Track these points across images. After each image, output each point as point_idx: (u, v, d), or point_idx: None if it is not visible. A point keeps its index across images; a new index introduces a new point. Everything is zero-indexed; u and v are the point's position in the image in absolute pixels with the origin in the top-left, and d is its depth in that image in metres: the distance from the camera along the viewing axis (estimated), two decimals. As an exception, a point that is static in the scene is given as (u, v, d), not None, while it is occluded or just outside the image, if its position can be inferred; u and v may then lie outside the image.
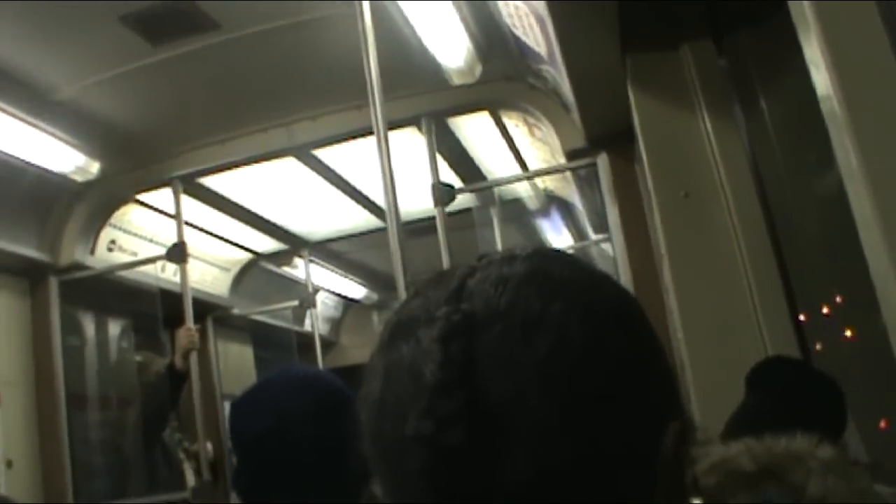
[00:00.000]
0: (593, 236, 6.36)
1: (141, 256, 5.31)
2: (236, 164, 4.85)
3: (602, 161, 4.25)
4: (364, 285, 8.49)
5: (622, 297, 0.82)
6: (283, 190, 5.47)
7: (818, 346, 2.91)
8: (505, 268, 0.78)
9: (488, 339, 0.72)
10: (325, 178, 5.30)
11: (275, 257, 6.89)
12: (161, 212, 5.31)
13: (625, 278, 4.11)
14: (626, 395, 0.74)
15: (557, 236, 6.96)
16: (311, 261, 6.95)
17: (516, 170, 5.45)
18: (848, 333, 2.72)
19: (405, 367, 0.75)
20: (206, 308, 6.10)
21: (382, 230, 3.17)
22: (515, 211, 6.20)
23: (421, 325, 0.75)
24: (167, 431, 5.17)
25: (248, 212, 5.80)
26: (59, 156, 4.45)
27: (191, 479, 4.95)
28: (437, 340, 0.72)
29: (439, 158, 4.64)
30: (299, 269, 7.06)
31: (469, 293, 0.76)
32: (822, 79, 1.42)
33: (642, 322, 0.81)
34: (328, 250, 7.17)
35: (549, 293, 0.75)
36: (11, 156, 4.21)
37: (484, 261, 0.80)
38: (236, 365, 6.74)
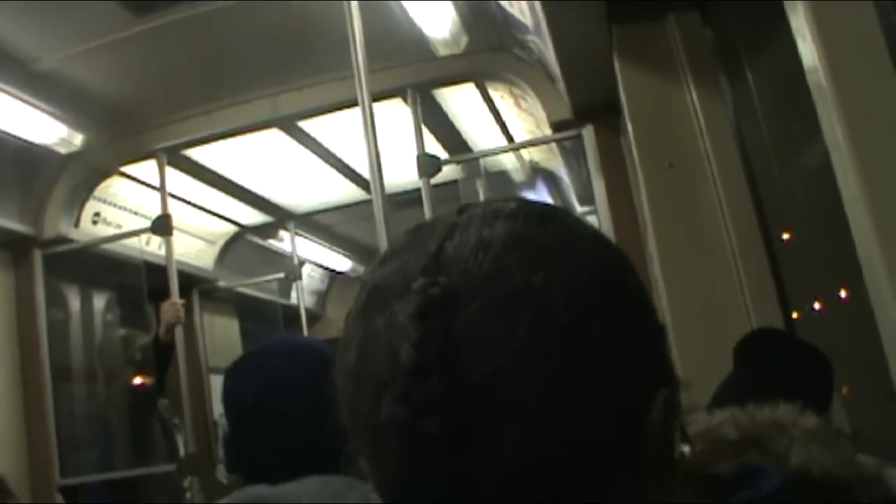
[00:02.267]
0: (579, 208, 6.35)
1: (125, 229, 5.30)
2: (221, 136, 4.83)
3: (588, 133, 4.25)
4: (350, 258, 8.48)
5: (612, 260, 0.79)
6: (269, 162, 5.46)
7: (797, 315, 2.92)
8: (486, 230, 0.73)
9: (467, 316, 0.68)
10: (311, 149, 5.29)
11: (260, 230, 6.88)
12: (145, 184, 5.29)
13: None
14: (615, 372, 0.70)
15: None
16: (297, 233, 6.95)
17: (502, 141, 5.44)
18: (834, 300, 2.73)
19: (381, 342, 0.71)
20: (191, 281, 6.10)
21: (368, 202, 3.17)
22: (501, 183, 6.18)
23: (396, 296, 0.71)
24: (163, 403, 5.17)
25: (233, 184, 5.78)
26: (43, 127, 4.41)
27: (182, 450, 4.97)
28: (413, 317, 0.68)
29: (425, 130, 4.63)
30: (285, 241, 7.06)
31: (447, 261, 0.72)
32: (808, 50, 1.42)
33: (633, 287, 0.78)
34: (314, 223, 7.16)
35: (532, 262, 0.71)
36: (-6, 128, 4.18)
37: (465, 217, 0.76)
38: (222, 338, 6.74)
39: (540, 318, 0.68)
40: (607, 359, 0.70)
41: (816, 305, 2.87)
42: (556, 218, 0.78)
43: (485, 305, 0.68)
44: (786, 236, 3.02)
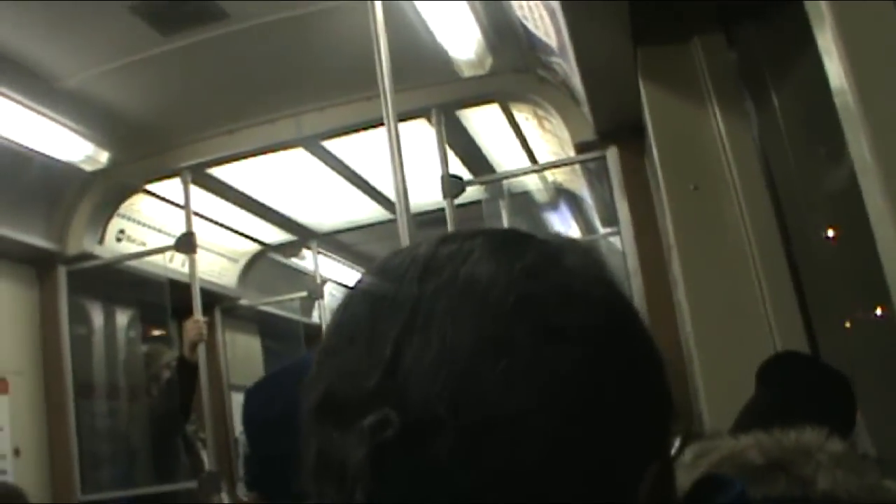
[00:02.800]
0: (602, 230, 6.34)
1: (149, 246, 5.33)
2: (245, 155, 4.85)
3: (611, 154, 4.24)
4: (372, 277, 8.47)
5: (606, 348, 0.69)
6: (292, 181, 5.47)
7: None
8: (450, 329, 0.65)
9: (429, 457, 0.63)
10: (335, 168, 5.30)
11: (283, 248, 6.90)
12: (170, 202, 5.32)
13: (633, 272, 4.11)
14: (601, 465, 0.66)
15: (566, 229, 6.95)
16: (320, 252, 6.96)
17: (526, 162, 5.44)
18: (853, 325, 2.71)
19: (335, 464, 0.66)
20: (214, 299, 6.11)
21: (391, 221, 3.18)
22: (524, 203, 6.18)
23: (350, 417, 0.65)
24: (191, 421, 5.18)
25: (257, 202, 5.80)
26: (69, 145, 4.45)
27: (208, 464, 4.98)
28: (366, 461, 0.63)
29: (449, 150, 4.63)
30: (307, 260, 7.06)
31: (404, 379, 0.65)
32: (835, 71, 1.41)
33: (632, 370, 0.71)
34: (337, 241, 7.17)
35: (503, 382, 0.64)
36: (21, 145, 4.21)
37: (428, 293, 0.68)
38: (244, 356, 6.75)
39: (512, 452, 0.63)
40: (587, 480, 0.65)
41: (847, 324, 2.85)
42: (532, 304, 0.68)
43: (446, 444, 0.63)
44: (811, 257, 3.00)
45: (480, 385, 0.64)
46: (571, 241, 0.77)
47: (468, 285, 0.68)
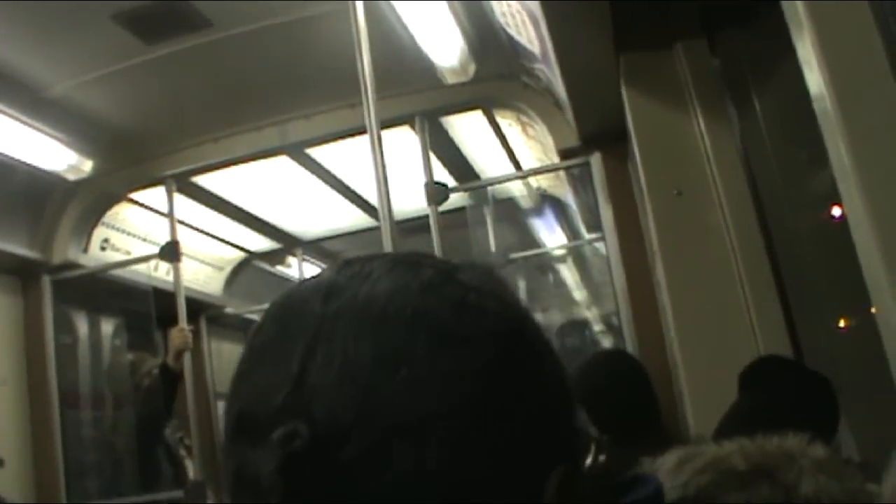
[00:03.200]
0: (587, 235, 6.36)
1: (134, 255, 5.31)
2: (230, 163, 4.84)
3: (595, 160, 4.25)
4: (357, 284, 8.46)
5: (504, 348, 0.72)
6: (277, 189, 5.46)
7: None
8: (351, 344, 0.69)
9: (335, 467, 0.65)
10: (319, 176, 5.29)
11: (268, 256, 6.88)
12: (154, 210, 5.30)
13: (618, 277, 4.12)
14: (505, 472, 0.68)
15: (551, 235, 6.96)
16: (305, 259, 6.94)
17: (510, 169, 5.44)
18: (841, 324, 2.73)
19: (250, 482, 0.68)
20: (199, 307, 6.09)
21: (376, 229, 3.18)
22: (509, 210, 6.19)
23: (261, 432, 0.68)
24: (168, 430, 5.17)
25: (242, 211, 5.78)
26: (52, 154, 4.43)
27: (192, 474, 4.97)
28: (276, 473, 0.65)
29: (433, 157, 4.63)
30: (293, 267, 7.05)
31: (310, 392, 0.68)
32: (814, 78, 1.43)
33: (531, 370, 0.74)
34: (322, 249, 7.15)
35: (405, 390, 0.67)
36: (4, 154, 4.20)
37: (331, 312, 0.72)
38: (229, 364, 6.64)
39: (419, 456, 0.65)
40: (492, 487, 0.68)
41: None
42: (429, 315, 0.72)
43: (355, 452, 0.66)
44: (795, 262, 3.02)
45: (383, 394, 0.67)
46: (470, 262, 0.81)
47: (368, 303, 0.72)
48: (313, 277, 0.80)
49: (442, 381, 0.68)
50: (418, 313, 0.71)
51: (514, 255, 6.14)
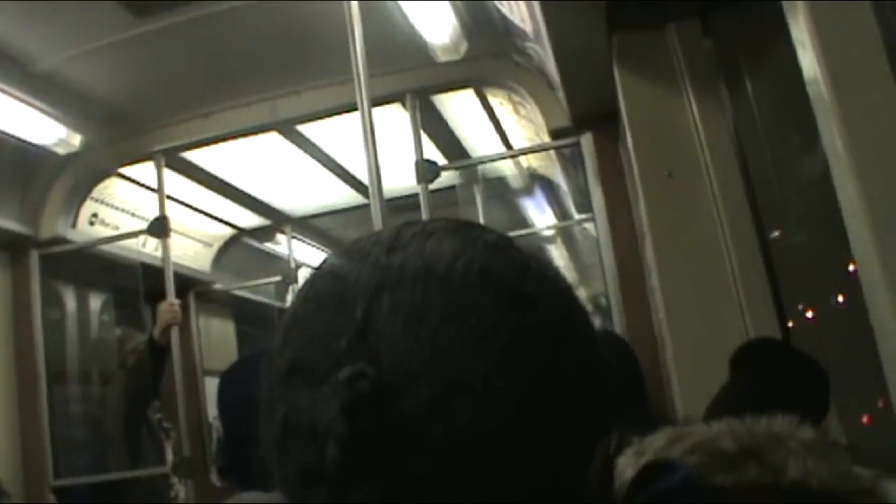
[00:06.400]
0: (577, 216, 6.36)
1: (123, 230, 5.29)
2: (219, 139, 4.82)
3: (586, 140, 4.25)
4: (347, 262, 8.45)
5: (564, 323, 0.73)
6: (267, 165, 5.45)
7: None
8: (418, 291, 0.68)
9: (400, 412, 0.64)
10: (309, 153, 5.28)
11: (257, 233, 6.88)
12: (143, 186, 5.28)
13: (608, 258, 4.13)
14: (557, 456, 0.69)
15: (541, 215, 6.96)
16: (294, 236, 6.94)
17: (500, 148, 5.43)
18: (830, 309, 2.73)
19: (306, 425, 0.67)
20: (187, 283, 6.08)
21: (365, 206, 3.17)
22: (499, 189, 6.19)
23: (322, 375, 0.67)
24: (150, 410, 5.17)
25: (231, 187, 5.77)
26: (41, 128, 4.40)
27: (170, 456, 4.97)
28: (341, 414, 0.64)
29: (423, 135, 4.62)
30: (282, 244, 7.05)
31: (375, 337, 0.67)
32: (808, 60, 1.42)
33: (583, 354, 0.74)
34: (311, 226, 7.15)
35: (471, 342, 0.66)
36: (-8, 128, 4.18)
37: (396, 262, 0.71)
38: (218, 341, 6.73)
39: (480, 411, 0.65)
40: (547, 451, 0.68)
41: (809, 314, 2.87)
42: (496, 273, 0.72)
43: (419, 400, 0.65)
44: (783, 245, 3.02)
45: (450, 347, 0.66)
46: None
47: (434, 257, 0.71)
48: (370, 235, 0.79)
49: (508, 338, 0.68)
50: (486, 271, 0.71)
51: (503, 235, 6.12)
